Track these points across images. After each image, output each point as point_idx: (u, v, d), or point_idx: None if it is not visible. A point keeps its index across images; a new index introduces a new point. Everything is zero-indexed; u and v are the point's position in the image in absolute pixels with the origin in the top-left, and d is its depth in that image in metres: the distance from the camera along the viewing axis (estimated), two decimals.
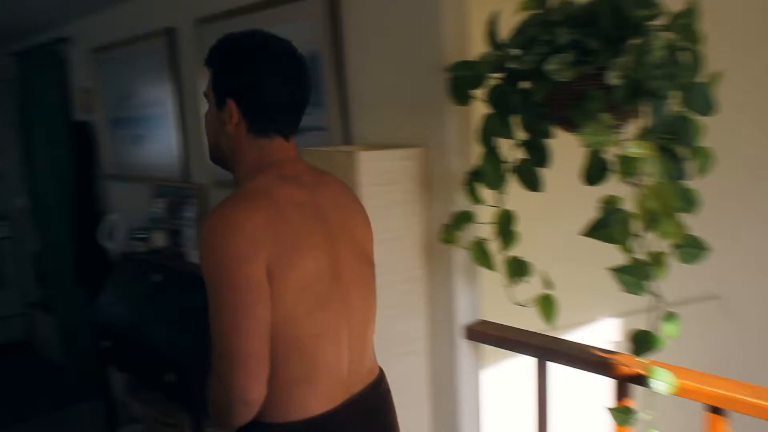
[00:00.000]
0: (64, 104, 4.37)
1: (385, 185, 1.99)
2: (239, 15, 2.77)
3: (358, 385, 1.54)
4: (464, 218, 1.93)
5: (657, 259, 1.50)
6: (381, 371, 1.65)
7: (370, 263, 1.61)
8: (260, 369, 1.32)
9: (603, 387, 1.78)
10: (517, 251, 1.83)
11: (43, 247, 4.94)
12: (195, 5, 3.04)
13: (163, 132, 3.45)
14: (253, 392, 1.32)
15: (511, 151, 1.77)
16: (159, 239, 3.36)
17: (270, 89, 1.44)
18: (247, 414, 1.36)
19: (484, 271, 1.93)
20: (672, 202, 1.43)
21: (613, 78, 1.45)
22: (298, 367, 1.40)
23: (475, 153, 1.88)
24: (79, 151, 4.17)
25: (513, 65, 1.65)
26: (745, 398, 1.51)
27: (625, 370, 1.69)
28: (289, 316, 1.37)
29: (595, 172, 1.59)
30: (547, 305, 1.76)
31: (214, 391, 1.37)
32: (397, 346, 2.06)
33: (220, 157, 1.56)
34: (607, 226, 1.53)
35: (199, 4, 3.01)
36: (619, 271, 1.52)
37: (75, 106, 4.31)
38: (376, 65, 2.25)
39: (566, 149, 1.71)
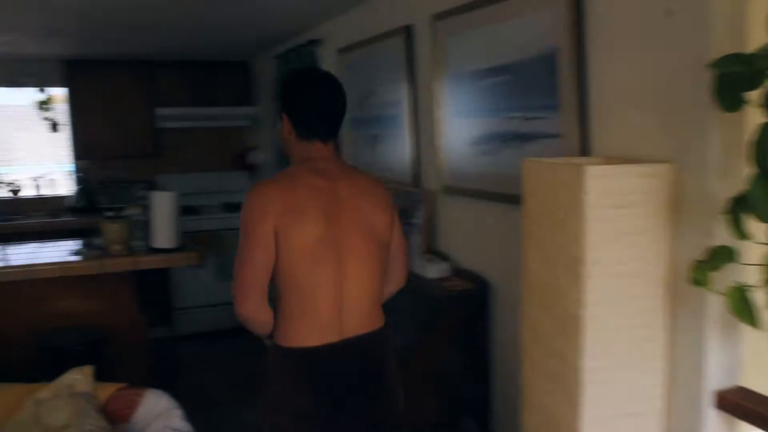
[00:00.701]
0: None
1: (620, 207, 1.63)
2: (475, 9, 2.54)
3: (350, 332, 1.99)
4: (723, 256, 1.51)
5: None
6: (382, 328, 2.10)
7: (377, 242, 2.05)
8: (251, 294, 1.91)
9: None
10: None
11: None
12: (433, 1, 2.87)
13: (397, 133, 3.36)
14: (245, 310, 1.93)
15: None
16: None
17: (308, 107, 2.00)
18: (250, 324, 1.98)
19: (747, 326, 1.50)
20: None
21: None
22: (297, 306, 1.95)
23: (744, 174, 1.45)
24: None
25: None
26: None
27: None
28: (293, 267, 1.91)
29: None
30: None
31: None
32: (624, 404, 1.69)
33: (285, 154, 2.23)
34: None
35: (437, 0, 2.84)
36: None
37: None
38: (624, 61, 1.90)
39: None
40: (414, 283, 2.79)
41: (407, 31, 3.14)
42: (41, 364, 3.73)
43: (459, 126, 2.76)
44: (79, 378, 2.42)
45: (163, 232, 3.89)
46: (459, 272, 2.81)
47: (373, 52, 3.56)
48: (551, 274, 1.77)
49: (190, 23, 4.29)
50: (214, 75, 6.19)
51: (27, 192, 6.10)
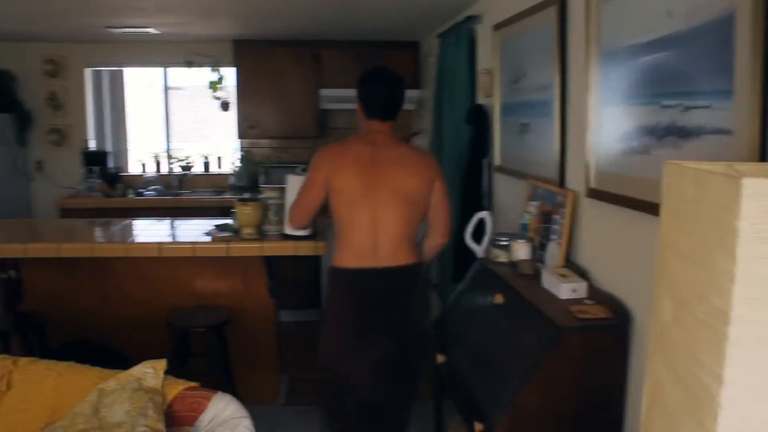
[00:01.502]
0: (470, 86, 4.10)
1: None
2: None
3: (383, 263, 2.71)
4: None
5: None
6: (413, 265, 2.78)
7: (404, 199, 2.72)
8: (302, 218, 2.86)
9: None
10: None
11: None
12: None
13: (545, 123, 2.86)
14: (295, 226, 2.94)
15: None
16: (520, 250, 2.80)
17: (373, 94, 2.80)
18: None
19: None
20: None
21: None
22: (342, 237, 2.77)
23: None
24: (474, 138, 3.84)
25: None
26: None
27: None
28: (336, 208, 2.75)
29: None
30: None
31: None
32: None
33: (358, 126, 2.95)
34: None
35: None
36: None
37: (478, 88, 3.99)
38: None
39: None
40: (538, 299, 2.33)
41: (561, 1, 2.64)
42: (167, 342, 3.74)
43: (608, 116, 2.24)
44: (150, 372, 2.26)
45: None
46: (597, 295, 2.29)
47: (525, 28, 3.07)
48: (684, 327, 1.25)
49: (355, 1, 4.08)
50: (381, 56, 5.95)
51: (197, 169, 6.30)
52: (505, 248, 2.89)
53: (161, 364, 2.31)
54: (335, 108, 5.99)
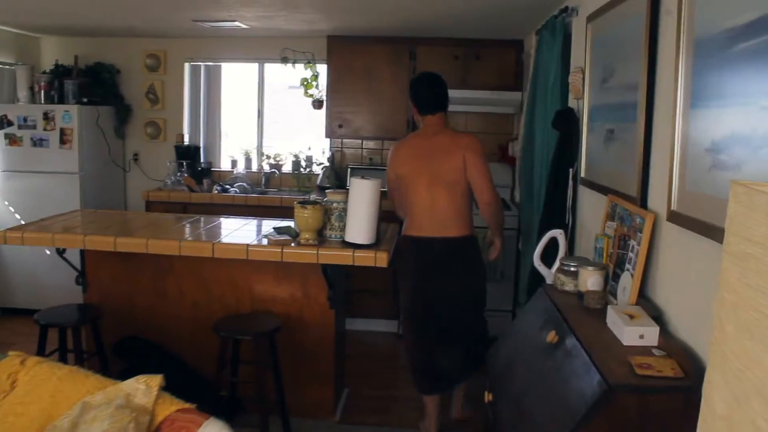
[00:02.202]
0: (563, 87, 3.64)
1: None
2: None
3: (439, 233, 3.42)
4: None
5: None
6: (464, 236, 3.46)
7: (444, 180, 3.40)
8: (396, 206, 3.70)
9: None
10: None
11: (523, 246, 4.38)
12: None
13: (630, 128, 2.40)
14: (397, 213, 3.74)
15: None
16: (589, 279, 2.36)
17: (419, 95, 3.52)
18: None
19: None
20: None
21: None
22: (409, 212, 3.52)
23: None
24: (560, 144, 3.39)
25: None
26: None
27: None
28: (402, 189, 3.52)
29: None
30: None
31: None
32: None
33: (416, 123, 3.71)
34: None
35: None
36: None
37: (569, 88, 3.53)
38: None
39: None
40: (594, 343, 1.89)
41: None
42: (212, 347, 3.54)
43: (696, 120, 1.77)
44: (142, 388, 2.02)
45: (356, 225, 3.41)
46: (670, 345, 1.83)
47: (617, 17, 2.62)
48: (743, 413, 0.84)
49: None
50: (482, 55, 5.55)
51: (287, 167, 6.15)
52: (574, 275, 2.45)
53: (155, 380, 2.07)
54: None
